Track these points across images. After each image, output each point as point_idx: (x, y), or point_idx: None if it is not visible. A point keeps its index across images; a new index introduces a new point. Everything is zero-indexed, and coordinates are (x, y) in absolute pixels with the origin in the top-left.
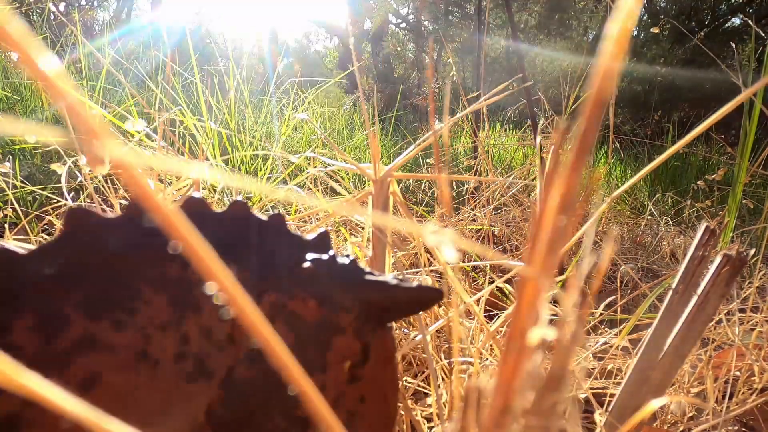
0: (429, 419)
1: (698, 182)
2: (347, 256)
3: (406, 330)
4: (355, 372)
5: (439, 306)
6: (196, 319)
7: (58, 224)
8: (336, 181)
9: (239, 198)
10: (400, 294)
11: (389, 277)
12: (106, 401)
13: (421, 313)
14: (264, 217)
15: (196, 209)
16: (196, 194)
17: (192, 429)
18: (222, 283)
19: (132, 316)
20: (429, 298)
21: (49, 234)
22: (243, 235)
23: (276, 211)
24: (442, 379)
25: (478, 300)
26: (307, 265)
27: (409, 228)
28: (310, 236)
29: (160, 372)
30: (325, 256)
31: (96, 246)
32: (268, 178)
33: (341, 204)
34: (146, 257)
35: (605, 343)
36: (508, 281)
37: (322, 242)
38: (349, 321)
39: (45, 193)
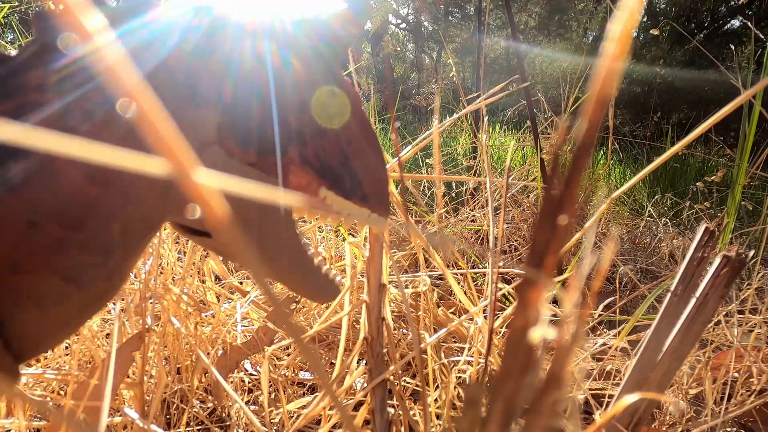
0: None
1: (697, 183)
2: None
3: (405, 330)
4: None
5: (439, 306)
6: None
7: None
8: None
9: None
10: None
11: None
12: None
13: (420, 313)
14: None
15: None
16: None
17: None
18: None
19: None
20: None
21: None
22: None
23: None
24: (441, 379)
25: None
26: None
27: (408, 228)
28: None
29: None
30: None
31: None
32: None
33: (340, 204)
34: None
35: (604, 344)
36: (508, 282)
37: None
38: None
39: None
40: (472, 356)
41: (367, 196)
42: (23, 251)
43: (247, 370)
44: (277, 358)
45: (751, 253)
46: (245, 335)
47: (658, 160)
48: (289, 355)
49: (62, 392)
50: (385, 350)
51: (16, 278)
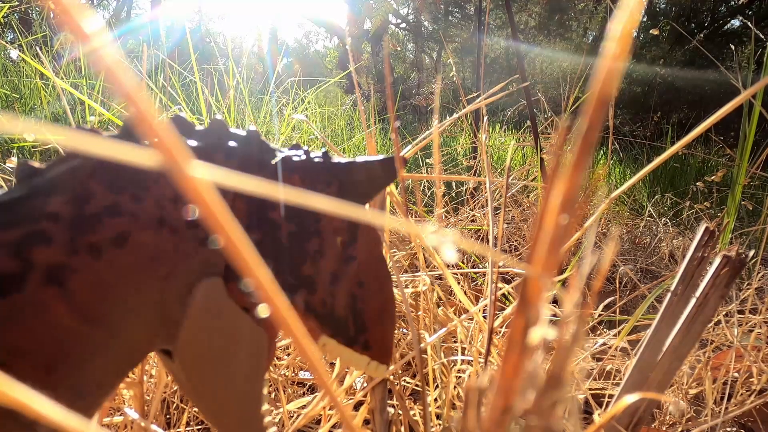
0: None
1: (697, 183)
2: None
3: (405, 330)
4: (348, 251)
5: (438, 306)
6: None
7: None
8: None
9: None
10: (368, 165)
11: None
12: (139, 255)
13: (420, 313)
14: (242, 132)
15: (181, 124)
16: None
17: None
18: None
19: (146, 191)
20: (394, 166)
21: None
22: (223, 142)
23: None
24: (441, 379)
25: (478, 301)
26: (284, 155)
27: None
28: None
29: (179, 237)
30: (300, 152)
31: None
32: None
33: (338, 203)
34: None
35: (604, 344)
36: (507, 282)
37: (296, 147)
38: (332, 194)
39: None
40: (472, 356)
41: (369, 344)
42: None
43: None
44: (276, 358)
45: (751, 253)
46: None
47: (658, 160)
48: (288, 354)
49: None
50: None
51: None
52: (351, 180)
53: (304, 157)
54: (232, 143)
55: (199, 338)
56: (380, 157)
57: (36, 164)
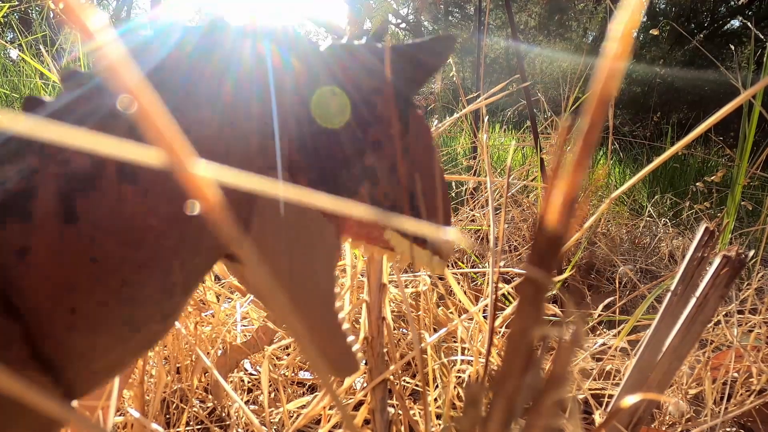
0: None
1: (697, 184)
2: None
3: (405, 330)
4: (402, 142)
5: (438, 306)
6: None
7: None
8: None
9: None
10: (415, 47)
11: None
12: (208, 147)
13: (420, 313)
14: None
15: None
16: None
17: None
18: None
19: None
20: (443, 46)
21: None
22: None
23: None
24: (441, 379)
25: (477, 300)
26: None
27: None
28: None
29: (248, 128)
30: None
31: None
32: None
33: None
34: None
35: (604, 344)
36: (507, 282)
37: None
38: (380, 84)
39: None
40: (472, 356)
41: (429, 239)
42: (83, 293)
43: (246, 370)
44: (276, 358)
45: (751, 253)
46: (245, 335)
47: (658, 160)
48: (288, 354)
49: None
50: (385, 350)
51: (74, 323)
52: (398, 64)
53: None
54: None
55: (268, 235)
56: (427, 38)
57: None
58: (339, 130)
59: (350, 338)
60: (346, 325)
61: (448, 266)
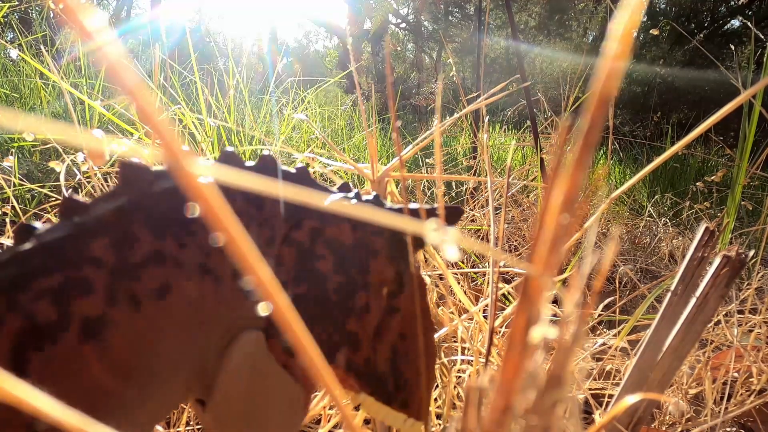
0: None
1: (697, 183)
2: (371, 194)
3: None
4: (392, 302)
5: (438, 306)
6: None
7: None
8: (333, 182)
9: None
10: (422, 213)
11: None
12: (180, 308)
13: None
14: (291, 169)
15: (230, 160)
16: (230, 149)
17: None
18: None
19: (192, 236)
20: (450, 214)
21: None
22: (274, 180)
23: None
24: (441, 379)
25: (477, 300)
26: (336, 198)
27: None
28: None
29: (222, 286)
30: (350, 194)
31: (149, 188)
32: None
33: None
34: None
35: (604, 344)
36: (507, 281)
37: (346, 188)
38: (382, 244)
39: (44, 191)
40: (472, 356)
41: (407, 402)
42: None
43: None
44: None
45: (751, 253)
46: None
47: (658, 160)
48: None
49: None
50: None
51: None
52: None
53: (354, 200)
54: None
55: (234, 392)
56: (435, 206)
57: (81, 199)
58: (329, 290)
59: None
60: None
61: (422, 428)
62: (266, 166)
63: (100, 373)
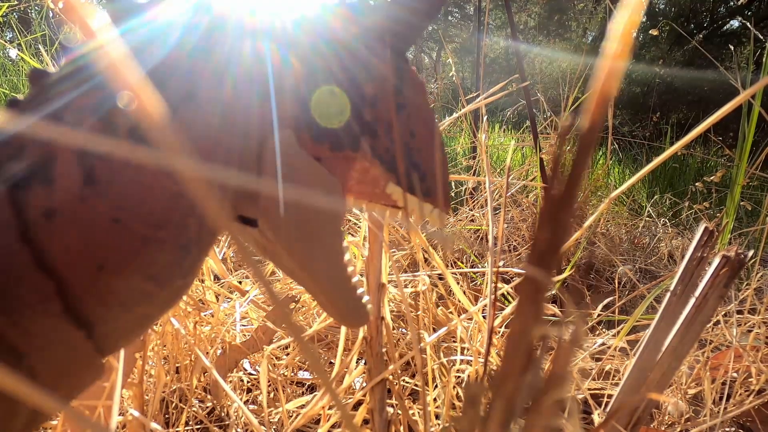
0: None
1: (696, 184)
2: None
3: (404, 330)
4: (398, 99)
5: (438, 306)
6: None
7: None
8: None
9: None
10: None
11: None
12: (211, 115)
13: (419, 313)
14: None
15: None
16: None
17: None
18: None
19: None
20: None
21: None
22: None
23: None
24: (440, 378)
25: (477, 300)
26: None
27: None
28: None
29: (250, 93)
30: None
31: None
32: None
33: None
34: None
35: (603, 344)
36: (507, 281)
37: None
38: (375, 40)
39: None
40: (471, 356)
41: (430, 191)
42: (108, 251)
43: (246, 370)
44: (276, 358)
45: (750, 253)
46: (244, 334)
47: (657, 160)
48: (288, 354)
49: None
50: (384, 350)
51: (102, 279)
52: (393, 17)
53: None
54: None
55: (277, 194)
56: None
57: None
58: (339, 90)
59: (360, 290)
60: (355, 278)
61: (447, 219)
62: None
63: (162, 178)
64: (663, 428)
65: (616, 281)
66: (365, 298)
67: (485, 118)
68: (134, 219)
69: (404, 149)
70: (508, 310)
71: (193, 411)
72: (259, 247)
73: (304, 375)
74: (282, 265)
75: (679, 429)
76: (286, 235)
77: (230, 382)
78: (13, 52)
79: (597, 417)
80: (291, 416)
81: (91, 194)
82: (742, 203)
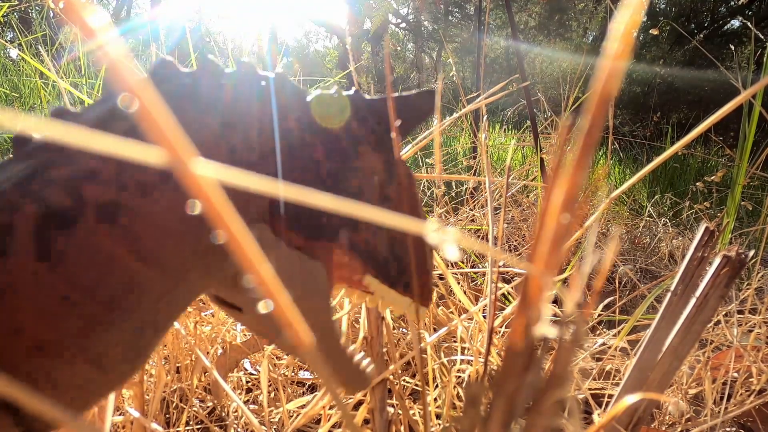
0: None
1: (697, 184)
2: (352, 88)
3: (404, 330)
4: (384, 191)
5: (438, 306)
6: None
7: None
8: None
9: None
10: (400, 100)
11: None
12: (187, 196)
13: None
14: (271, 74)
15: (211, 66)
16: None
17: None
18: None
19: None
20: (426, 100)
21: None
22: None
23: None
24: (441, 378)
25: (477, 300)
26: (317, 93)
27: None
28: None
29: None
30: (330, 90)
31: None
32: None
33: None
34: None
35: (604, 343)
36: (507, 281)
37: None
38: (367, 132)
39: None
40: (471, 356)
41: (410, 286)
42: (52, 330)
43: (246, 369)
44: (276, 358)
45: (751, 253)
46: (245, 334)
47: (658, 160)
48: (288, 354)
49: None
50: (384, 349)
51: (40, 361)
52: (387, 115)
53: (335, 94)
54: (263, 82)
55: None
56: (415, 91)
57: (71, 109)
58: (323, 175)
59: (358, 356)
60: (351, 347)
61: (426, 312)
62: (245, 73)
63: (122, 254)
64: (663, 428)
65: (617, 281)
66: (365, 362)
67: (485, 117)
68: (86, 297)
69: (388, 240)
70: (509, 310)
71: (194, 411)
72: (250, 328)
73: (304, 375)
74: (273, 341)
75: (679, 429)
76: (273, 325)
77: (231, 381)
78: (14, 52)
79: (597, 417)
80: (291, 416)
81: (44, 270)
82: (742, 203)
